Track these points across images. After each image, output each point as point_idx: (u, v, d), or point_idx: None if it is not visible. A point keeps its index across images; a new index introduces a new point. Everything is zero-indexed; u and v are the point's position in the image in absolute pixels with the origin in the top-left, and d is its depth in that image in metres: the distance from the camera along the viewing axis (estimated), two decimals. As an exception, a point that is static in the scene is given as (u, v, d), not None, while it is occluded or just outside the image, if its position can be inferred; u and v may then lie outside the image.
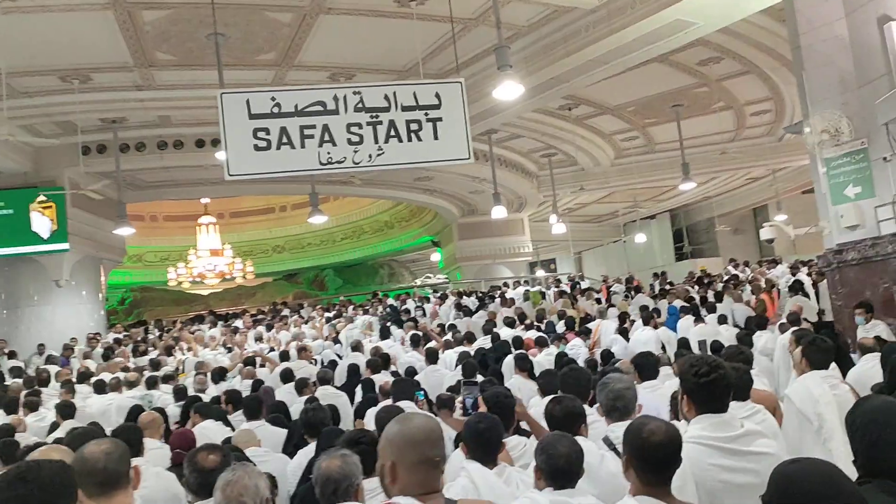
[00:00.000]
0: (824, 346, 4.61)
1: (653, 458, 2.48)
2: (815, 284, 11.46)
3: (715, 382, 2.92)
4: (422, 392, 6.07)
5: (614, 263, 29.76)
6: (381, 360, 8.61)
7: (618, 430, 3.23)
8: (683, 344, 8.47)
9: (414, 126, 5.91)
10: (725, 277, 15.38)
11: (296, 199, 27.03)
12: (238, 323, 16.85)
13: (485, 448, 3.33)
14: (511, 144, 18.25)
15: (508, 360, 8.00)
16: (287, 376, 8.49)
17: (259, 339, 13.92)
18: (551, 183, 19.12)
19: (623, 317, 10.83)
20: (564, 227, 20.01)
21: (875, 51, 7.69)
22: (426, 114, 5.97)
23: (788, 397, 4.47)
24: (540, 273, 28.79)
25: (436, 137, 5.93)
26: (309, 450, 4.72)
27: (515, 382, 6.92)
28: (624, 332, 10.07)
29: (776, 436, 4.03)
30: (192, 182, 16.76)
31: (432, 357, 8.76)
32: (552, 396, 3.91)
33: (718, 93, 15.39)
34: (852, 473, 2.04)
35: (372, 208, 26.57)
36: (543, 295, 15.59)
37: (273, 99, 5.79)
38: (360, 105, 5.89)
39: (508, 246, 23.14)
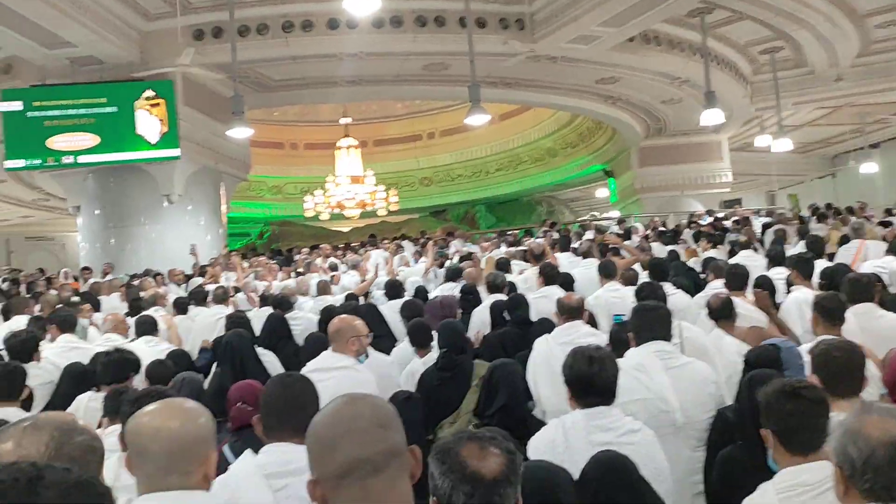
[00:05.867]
0: None
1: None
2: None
3: None
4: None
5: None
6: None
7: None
8: None
9: None
10: None
11: (445, 124, 23.85)
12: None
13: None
14: (726, 32, 14.00)
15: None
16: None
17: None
18: (775, 88, 14.74)
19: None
20: (790, 143, 15.56)
21: None
22: None
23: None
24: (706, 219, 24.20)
25: None
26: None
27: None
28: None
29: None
30: (324, 81, 13.74)
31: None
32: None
33: None
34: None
35: (532, 132, 22.86)
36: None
37: None
38: None
39: (702, 174, 18.95)
